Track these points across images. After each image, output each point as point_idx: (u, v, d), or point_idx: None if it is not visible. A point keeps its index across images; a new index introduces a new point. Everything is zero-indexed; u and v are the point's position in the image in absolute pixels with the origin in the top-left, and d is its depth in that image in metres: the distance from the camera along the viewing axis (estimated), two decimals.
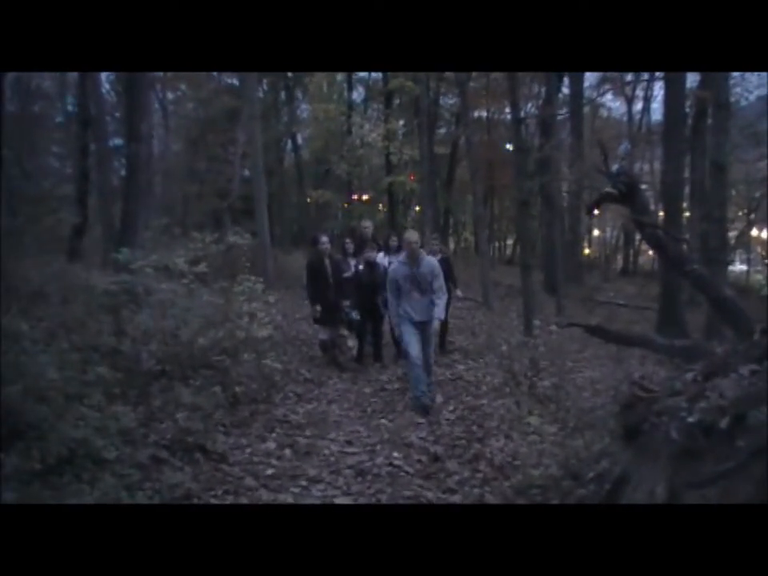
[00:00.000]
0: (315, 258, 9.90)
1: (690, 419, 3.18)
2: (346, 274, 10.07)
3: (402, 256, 8.18)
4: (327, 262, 9.77)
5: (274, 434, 6.70)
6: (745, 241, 37.16)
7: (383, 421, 7.30)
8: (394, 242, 10.53)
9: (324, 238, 9.99)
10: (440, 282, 7.80)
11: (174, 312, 7.36)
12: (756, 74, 28.15)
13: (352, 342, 10.35)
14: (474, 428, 6.78)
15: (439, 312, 7.76)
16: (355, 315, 9.88)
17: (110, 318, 7.14)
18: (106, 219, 16.14)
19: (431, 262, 7.95)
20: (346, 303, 9.88)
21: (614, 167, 4.85)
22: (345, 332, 10.28)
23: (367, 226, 11.47)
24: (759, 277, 41.32)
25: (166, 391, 6.40)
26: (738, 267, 40.24)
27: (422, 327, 7.84)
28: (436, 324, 7.87)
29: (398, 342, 10.39)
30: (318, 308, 9.71)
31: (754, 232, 40.43)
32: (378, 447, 6.40)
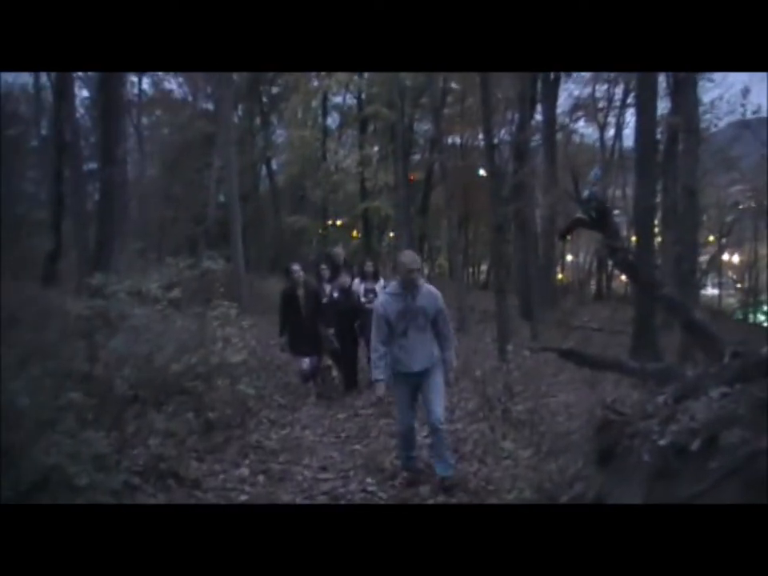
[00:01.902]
0: (288, 287, 9.79)
1: (662, 442, 3.22)
2: (324, 300, 9.98)
3: (390, 286, 6.16)
4: (301, 291, 9.65)
5: (247, 460, 6.67)
6: (717, 265, 37.61)
7: (357, 446, 7.28)
8: (369, 267, 10.36)
9: (296, 267, 9.82)
10: (446, 319, 6.09)
11: (148, 337, 7.31)
12: (725, 100, 28.78)
13: (335, 372, 10.21)
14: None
15: (451, 356, 6.04)
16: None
17: (84, 343, 7.09)
18: (80, 244, 16.05)
19: (432, 291, 6.00)
20: (330, 331, 9.75)
21: (586, 193, 4.90)
22: (329, 361, 10.14)
23: (338, 252, 11.27)
24: (731, 300, 41.90)
25: (139, 417, 6.35)
26: (710, 291, 40.74)
27: (420, 379, 5.95)
28: (451, 376, 6.08)
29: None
30: (285, 338, 9.69)
31: (726, 256, 40.97)
32: (352, 473, 6.39)
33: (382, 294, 6.43)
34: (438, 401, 5.90)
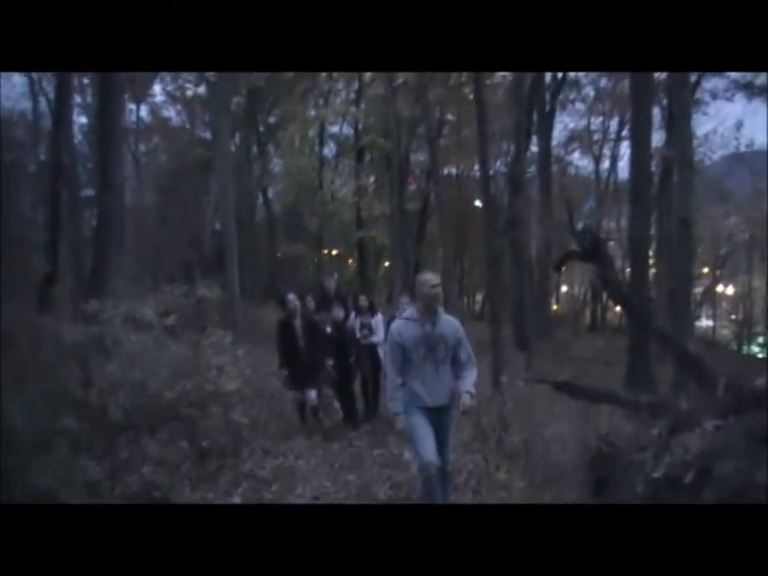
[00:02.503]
0: (284, 318, 9.42)
1: (656, 474, 3.22)
2: (327, 329, 9.66)
3: (407, 311, 5.75)
4: (297, 322, 9.24)
5: (240, 489, 6.64)
6: (711, 296, 37.76)
7: (351, 476, 7.25)
8: (363, 301, 10.02)
9: (291, 297, 9.35)
10: (468, 349, 5.61)
11: (143, 364, 7.30)
12: (719, 134, 29.12)
13: (336, 403, 9.86)
14: None
15: (468, 383, 5.47)
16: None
17: (79, 368, 7.07)
18: (77, 268, 16.06)
19: (452, 320, 5.61)
20: (330, 362, 9.37)
21: (580, 225, 4.94)
22: (330, 392, 9.77)
23: (330, 282, 10.97)
24: (726, 332, 42.02)
25: (132, 443, 6.32)
26: (705, 322, 40.84)
27: (438, 415, 5.44)
28: (466, 398, 5.37)
29: (369, 400, 10.13)
30: (286, 371, 9.25)
31: (720, 288, 41.12)
32: (346, 503, 6.35)
33: (398, 320, 5.81)
34: (448, 443, 5.60)
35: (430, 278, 5.50)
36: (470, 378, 5.49)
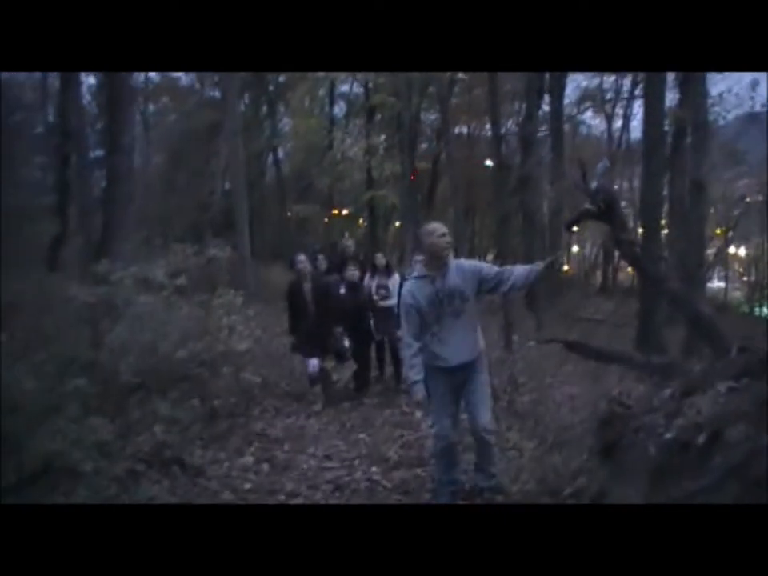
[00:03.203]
0: (293, 281, 8.85)
1: (668, 436, 3.21)
2: (341, 291, 9.06)
3: (416, 269, 5.24)
4: (307, 285, 8.64)
5: (251, 448, 6.70)
6: (723, 258, 37.58)
7: (362, 436, 7.29)
8: (380, 260, 9.48)
9: (301, 257, 8.77)
10: (494, 268, 5.12)
11: (153, 324, 7.31)
12: (734, 93, 28.71)
13: (336, 375, 8.93)
14: None
15: (525, 270, 5.00)
16: (347, 342, 8.71)
17: (88, 329, 7.09)
18: (86, 230, 16.04)
19: (465, 265, 5.10)
20: (339, 329, 8.68)
21: (593, 184, 4.86)
22: (331, 362, 8.83)
23: (349, 244, 10.62)
24: (737, 294, 41.91)
25: (143, 404, 6.35)
26: (717, 284, 40.72)
27: (464, 374, 5.07)
28: (537, 267, 5.03)
29: (383, 369, 9.80)
30: (294, 338, 8.83)
31: (732, 249, 40.91)
32: (357, 462, 6.40)
33: (409, 279, 5.35)
34: (484, 404, 5.11)
35: (437, 227, 5.05)
36: (519, 269, 5.01)
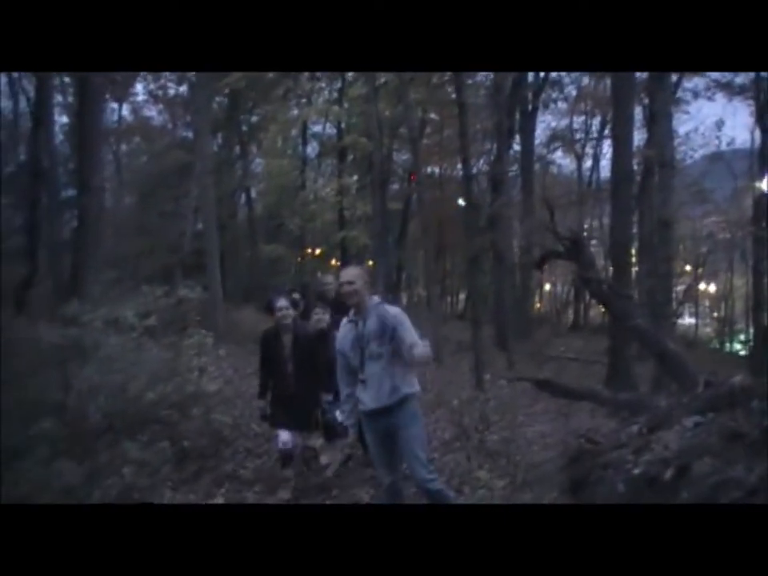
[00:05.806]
0: (269, 331, 6.90)
1: (636, 471, 3.24)
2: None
3: (351, 313, 5.09)
4: (287, 337, 6.67)
5: (222, 490, 6.62)
6: (693, 295, 38.01)
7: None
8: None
9: (282, 302, 6.73)
10: (411, 332, 4.79)
11: (122, 366, 7.26)
12: (700, 133, 29.33)
13: (326, 458, 7.10)
14: None
15: (423, 349, 4.64)
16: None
17: (57, 371, 7.02)
18: (55, 271, 15.94)
19: (382, 310, 4.91)
20: (328, 398, 6.61)
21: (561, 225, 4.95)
22: (318, 441, 7.00)
23: (328, 282, 8.22)
24: (707, 330, 42.39)
25: (112, 446, 6.28)
26: (687, 321, 41.21)
27: (387, 419, 4.88)
28: (421, 350, 4.62)
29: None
30: (265, 403, 6.94)
31: (702, 286, 41.45)
32: (328, 503, 6.34)
33: (344, 322, 5.22)
34: (416, 458, 4.81)
35: (344, 273, 5.11)
36: (419, 347, 4.66)
